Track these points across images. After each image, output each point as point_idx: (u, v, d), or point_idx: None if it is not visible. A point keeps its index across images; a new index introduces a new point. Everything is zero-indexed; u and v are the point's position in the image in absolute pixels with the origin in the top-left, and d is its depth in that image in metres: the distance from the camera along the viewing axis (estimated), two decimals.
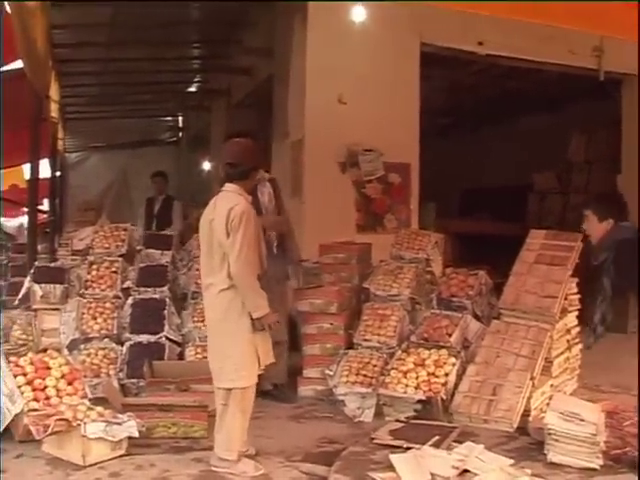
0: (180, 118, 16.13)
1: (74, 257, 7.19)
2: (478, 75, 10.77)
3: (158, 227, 8.55)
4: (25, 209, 11.23)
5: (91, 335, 5.95)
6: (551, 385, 5.34)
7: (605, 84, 9.59)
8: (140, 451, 4.37)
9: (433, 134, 9.98)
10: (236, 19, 9.66)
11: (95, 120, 14.11)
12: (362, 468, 3.93)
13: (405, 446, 4.20)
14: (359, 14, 7.66)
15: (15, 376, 4.59)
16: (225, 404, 4.09)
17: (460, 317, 5.69)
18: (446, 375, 5.13)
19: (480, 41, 8.45)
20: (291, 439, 4.73)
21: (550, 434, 4.16)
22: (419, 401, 5.01)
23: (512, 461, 3.99)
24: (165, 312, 6.13)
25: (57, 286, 6.33)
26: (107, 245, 6.75)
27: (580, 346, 5.93)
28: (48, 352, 4.97)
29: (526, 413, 4.87)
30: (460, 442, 4.24)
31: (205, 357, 4.95)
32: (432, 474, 3.70)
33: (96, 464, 4.14)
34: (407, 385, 5.11)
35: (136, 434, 4.32)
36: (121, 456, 4.27)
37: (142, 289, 6.32)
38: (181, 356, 5.98)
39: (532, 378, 5.02)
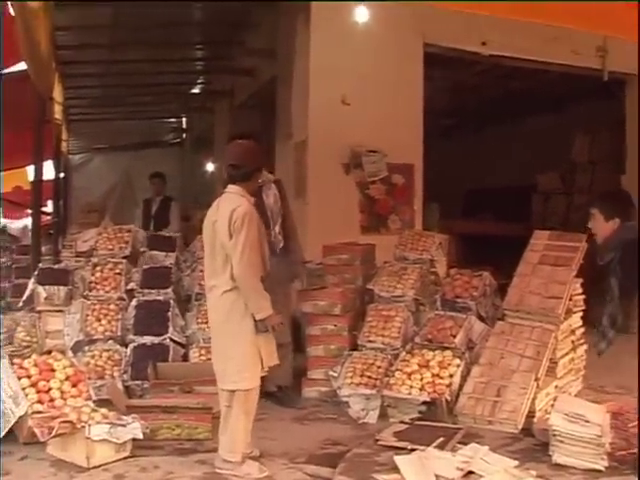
0: (183, 119, 16.14)
1: (78, 259, 7.19)
2: (481, 75, 10.75)
3: (155, 228, 8.52)
4: (29, 211, 11.23)
5: (95, 337, 5.96)
6: (556, 386, 5.33)
7: (609, 84, 9.58)
8: (144, 453, 4.37)
9: (437, 135, 9.96)
10: (239, 20, 9.66)
11: (99, 122, 14.13)
12: (366, 470, 3.93)
13: (410, 447, 4.20)
14: (362, 15, 7.64)
15: (19, 378, 4.59)
16: (229, 406, 4.09)
17: (464, 318, 5.68)
18: (450, 376, 5.13)
19: (483, 41, 8.44)
20: (295, 441, 4.73)
21: (555, 435, 4.15)
22: (423, 402, 5.00)
23: (517, 462, 3.99)
24: (169, 314, 6.13)
25: (61, 288, 6.33)
26: (111, 247, 6.74)
27: (585, 347, 5.92)
28: (52, 354, 4.97)
29: (531, 414, 4.87)
30: (465, 443, 4.24)
31: (209, 359, 4.94)
32: (437, 476, 3.70)
33: (100, 466, 4.14)
34: (411, 386, 5.11)
35: (140, 436, 4.32)
36: (125, 458, 4.27)
37: (146, 291, 6.33)
38: (185, 358, 5.98)
39: (537, 379, 5.01)
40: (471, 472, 3.75)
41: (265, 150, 4.85)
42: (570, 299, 5.55)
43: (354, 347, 5.81)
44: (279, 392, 5.61)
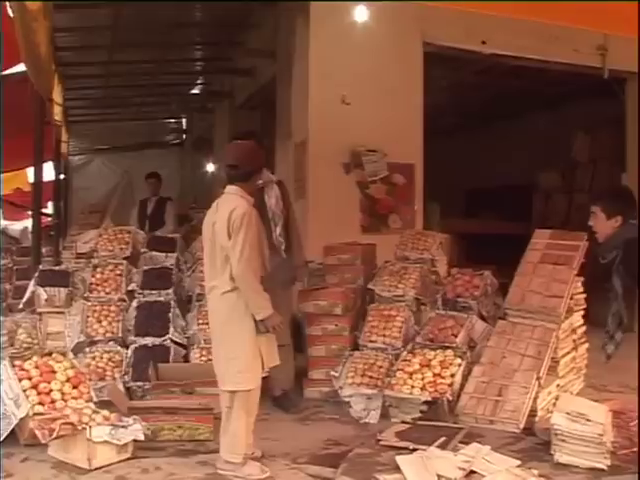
0: (184, 120, 16.16)
1: (78, 260, 7.20)
2: (482, 74, 10.75)
3: (151, 228, 8.51)
4: (29, 212, 11.23)
5: (96, 338, 5.95)
6: (557, 385, 5.32)
7: (609, 82, 9.56)
8: (146, 454, 4.37)
9: (437, 134, 9.95)
10: (239, 21, 9.66)
11: (99, 123, 14.15)
12: (368, 470, 3.92)
13: (411, 447, 4.20)
14: (361, 14, 7.64)
15: (20, 380, 4.58)
16: (230, 407, 4.08)
17: (466, 317, 5.68)
18: (452, 376, 5.12)
19: (483, 40, 8.43)
20: (297, 441, 4.72)
21: (557, 434, 4.15)
22: (425, 402, 5.00)
23: (519, 462, 3.98)
24: (170, 315, 6.13)
25: (62, 289, 6.32)
26: (111, 248, 6.74)
27: (586, 345, 5.91)
28: (53, 356, 4.96)
29: (532, 413, 4.86)
30: (466, 443, 4.24)
31: (210, 359, 4.94)
32: (438, 475, 3.70)
33: (102, 467, 4.14)
34: (413, 386, 5.10)
35: (141, 437, 4.32)
36: (127, 459, 4.27)
37: (147, 292, 6.32)
38: (186, 359, 5.97)
39: (538, 378, 5.01)
40: (473, 472, 3.75)
41: (265, 150, 4.81)
42: (571, 298, 5.55)
43: (355, 347, 5.80)
44: (283, 397, 5.53)
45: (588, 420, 4.12)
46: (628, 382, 5.68)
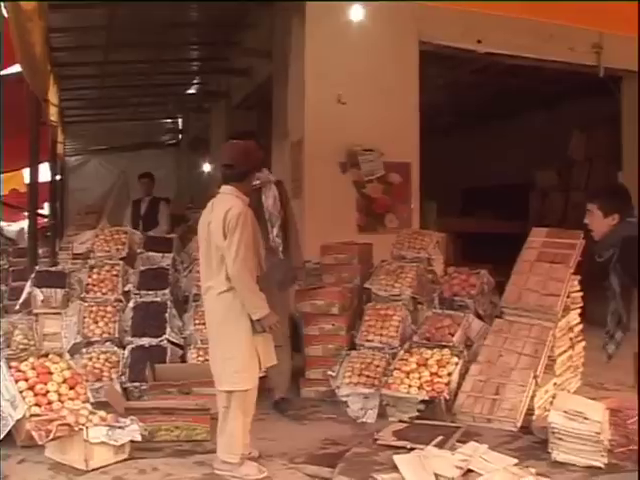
0: (180, 120, 16.15)
1: (75, 261, 7.18)
2: (477, 73, 10.75)
3: (144, 228, 8.47)
4: (25, 213, 11.20)
5: (93, 339, 5.95)
6: (554, 383, 5.33)
7: (605, 81, 9.57)
8: (143, 455, 4.37)
9: (433, 133, 9.95)
10: (234, 21, 9.65)
11: (94, 123, 14.12)
12: (366, 469, 3.92)
13: (409, 447, 4.20)
14: (357, 13, 7.64)
15: (17, 381, 4.58)
16: (227, 407, 4.08)
17: (462, 316, 5.68)
18: (449, 375, 5.12)
19: (479, 39, 8.43)
20: (294, 441, 4.72)
21: (554, 433, 4.15)
22: (422, 401, 5.00)
23: (516, 460, 3.99)
24: (166, 315, 6.12)
25: (58, 290, 6.31)
26: (108, 248, 6.73)
27: (583, 344, 5.92)
28: (50, 357, 4.95)
29: (530, 412, 4.87)
30: (464, 442, 4.24)
31: (207, 360, 4.93)
32: (436, 474, 3.70)
33: (99, 469, 4.14)
34: (410, 385, 5.10)
35: (139, 438, 4.32)
36: (124, 460, 4.26)
37: (143, 292, 6.31)
38: (183, 359, 5.96)
39: (535, 377, 5.01)
40: (470, 470, 3.75)
41: (262, 150, 4.78)
42: (568, 296, 5.55)
43: (352, 346, 5.80)
44: (281, 401, 5.47)
45: (585, 418, 4.12)
46: (625, 380, 5.68)
